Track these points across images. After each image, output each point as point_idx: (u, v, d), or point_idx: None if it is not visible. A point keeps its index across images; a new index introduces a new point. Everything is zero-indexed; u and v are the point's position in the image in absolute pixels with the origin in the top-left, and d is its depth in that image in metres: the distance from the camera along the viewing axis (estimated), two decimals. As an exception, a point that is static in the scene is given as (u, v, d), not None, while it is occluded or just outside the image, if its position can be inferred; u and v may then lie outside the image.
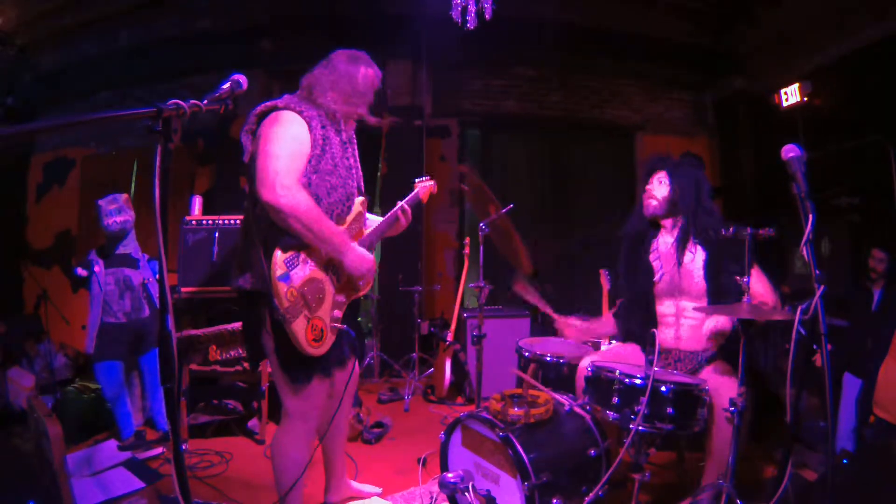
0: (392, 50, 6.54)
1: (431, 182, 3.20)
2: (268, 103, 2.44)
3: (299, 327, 2.32)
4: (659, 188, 3.22)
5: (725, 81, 7.56)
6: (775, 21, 6.63)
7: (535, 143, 7.60)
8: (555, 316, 3.52)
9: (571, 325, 3.48)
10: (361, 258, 2.52)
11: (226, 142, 6.41)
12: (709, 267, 3.07)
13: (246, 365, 4.16)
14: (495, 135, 7.53)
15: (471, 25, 4.19)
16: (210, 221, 4.19)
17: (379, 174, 6.67)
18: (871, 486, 2.67)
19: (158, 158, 1.49)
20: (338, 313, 2.52)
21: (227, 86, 1.75)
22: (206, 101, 1.66)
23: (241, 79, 1.77)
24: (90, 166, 7.49)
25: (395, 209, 2.85)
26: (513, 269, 3.65)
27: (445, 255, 7.14)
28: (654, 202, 3.21)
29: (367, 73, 2.64)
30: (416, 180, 3.17)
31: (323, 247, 2.39)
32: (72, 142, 7.54)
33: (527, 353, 3.66)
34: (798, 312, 2.14)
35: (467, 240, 5.58)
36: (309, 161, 2.39)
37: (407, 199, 2.96)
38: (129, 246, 4.14)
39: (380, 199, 6.64)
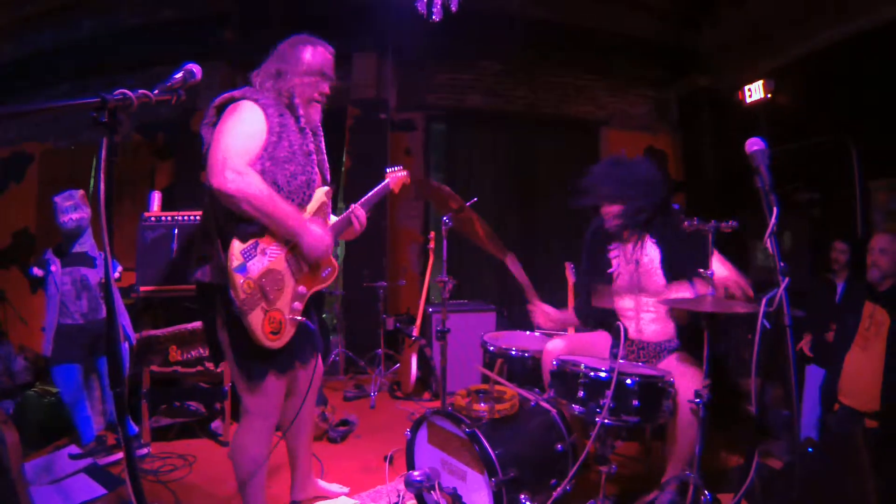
0: (357, 42, 6.49)
1: (404, 172, 3.16)
2: (226, 95, 2.40)
3: (256, 320, 2.26)
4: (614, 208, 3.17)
5: (689, 78, 7.66)
6: (740, 20, 6.72)
7: (500, 138, 7.58)
8: (533, 300, 3.50)
9: (545, 313, 3.46)
10: (319, 238, 2.46)
11: (187, 136, 6.28)
12: (665, 264, 3.10)
13: (209, 365, 4.08)
14: (461, 129, 7.49)
15: (436, 17, 4.15)
16: (169, 218, 4.08)
17: (343, 168, 6.59)
18: (837, 473, 2.70)
19: (104, 151, 1.43)
20: (298, 305, 2.45)
21: (179, 75, 1.69)
22: (156, 92, 1.60)
23: (195, 68, 1.72)
24: (49, 161, 7.29)
25: (348, 211, 2.81)
26: (481, 261, 3.63)
27: (410, 250, 7.09)
28: (617, 222, 3.18)
29: (314, 50, 2.58)
30: (388, 169, 3.13)
31: (278, 228, 2.34)
32: (30, 136, 7.33)
33: (492, 348, 3.65)
34: (763, 304, 2.15)
35: (432, 234, 5.53)
36: (265, 148, 2.34)
37: (370, 193, 2.93)
38: (86, 244, 4.02)
39: (343, 194, 6.56)
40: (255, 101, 2.36)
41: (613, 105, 7.76)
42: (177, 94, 1.68)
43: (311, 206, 2.55)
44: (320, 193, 2.60)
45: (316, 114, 2.62)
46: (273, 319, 2.32)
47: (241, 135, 2.27)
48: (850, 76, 5.53)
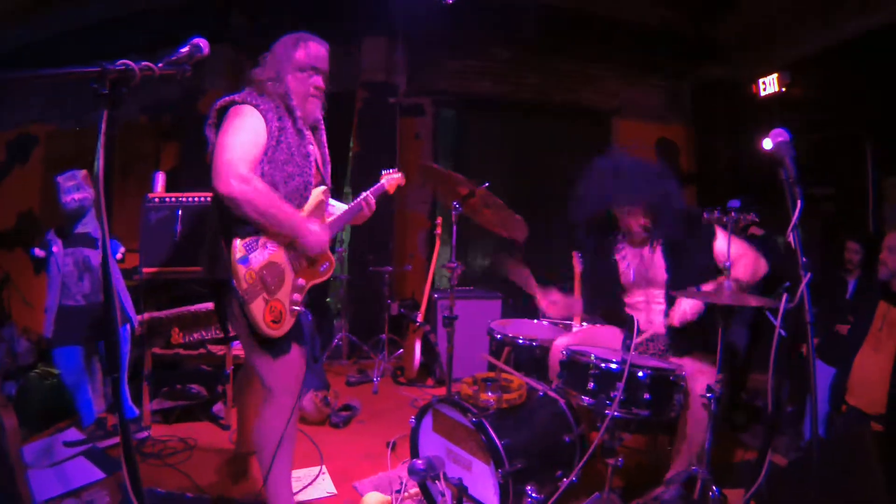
0: (367, 25, 6.41)
1: (399, 174, 3.25)
2: (226, 98, 2.47)
3: (258, 308, 2.36)
4: (638, 217, 3.15)
5: (703, 69, 7.55)
6: (756, 10, 6.62)
7: (510, 125, 7.50)
8: (538, 293, 3.47)
9: (555, 302, 3.42)
10: (317, 236, 2.54)
11: (193, 118, 6.16)
12: (667, 254, 3.08)
13: (211, 348, 4.07)
14: (470, 115, 7.42)
15: (448, 0, 4.08)
16: (173, 199, 4.00)
17: (350, 152, 6.54)
18: (845, 473, 2.66)
19: (104, 124, 1.38)
20: (297, 297, 2.54)
21: (185, 49, 1.65)
22: (161, 65, 1.54)
23: (202, 43, 1.68)
24: (54, 143, 7.25)
25: (358, 199, 2.91)
26: (487, 248, 3.61)
27: (417, 236, 7.04)
28: (644, 234, 3.16)
29: (304, 46, 2.62)
30: (383, 172, 3.22)
31: (280, 230, 2.43)
32: (35, 118, 7.28)
33: (499, 336, 3.62)
34: (784, 299, 2.09)
35: (439, 220, 5.49)
36: (265, 152, 2.43)
37: (372, 189, 3.03)
38: (89, 225, 3.97)
39: (350, 178, 6.54)
40: (256, 106, 2.44)
41: (625, 94, 7.65)
42: (182, 69, 1.63)
43: (308, 206, 2.60)
44: (318, 192, 2.65)
45: (315, 109, 2.68)
46: (274, 309, 2.42)
47: (244, 141, 2.35)
48: (866, 71, 5.46)
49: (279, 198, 2.40)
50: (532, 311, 4.96)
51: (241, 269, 2.32)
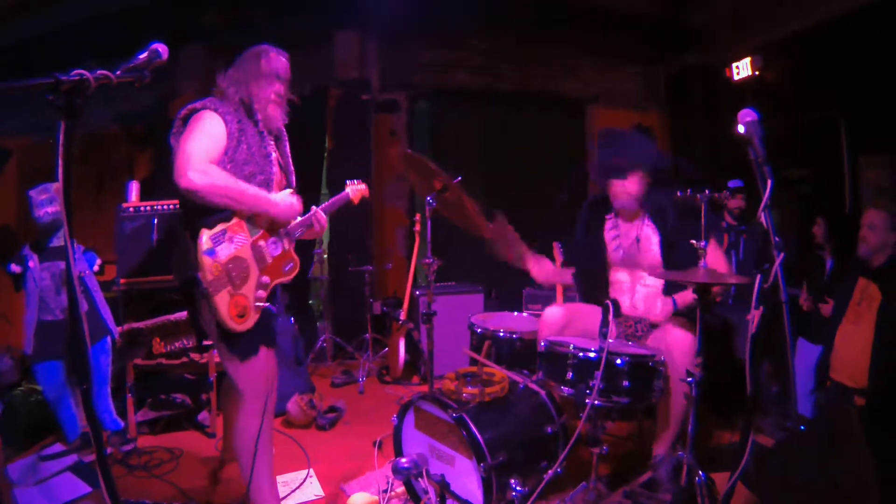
0: (339, 20, 6.35)
1: (363, 186, 3.35)
2: (189, 106, 2.54)
3: (222, 301, 2.39)
4: (632, 185, 3.19)
5: (678, 55, 7.55)
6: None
7: (486, 117, 7.45)
8: (528, 255, 3.49)
9: (544, 267, 3.49)
10: (287, 205, 2.64)
11: (166, 124, 6.09)
12: (663, 244, 3.11)
13: (193, 356, 4.04)
14: (446, 108, 7.37)
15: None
16: (148, 208, 3.98)
17: (325, 152, 6.48)
18: (830, 449, 2.68)
19: (61, 136, 1.36)
20: (262, 293, 2.56)
21: (143, 55, 1.62)
22: (118, 73, 1.52)
23: (161, 48, 1.65)
24: (28, 156, 7.15)
25: (310, 213, 2.92)
26: (468, 242, 3.61)
27: (396, 233, 6.97)
28: (628, 198, 3.20)
29: (267, 57, 2.72)
30: (347, 182, 3.33)
31: (249, 209, 2.51)
32: (7, 132, 7.17)
33: (479, 330, 3.62)
34: (758, 280, 2.10)
35: (418, 216, 5.47)
36: (225, 152, 2.49)
37: (328, 202, 3.09)
38: (64, 238, 3.93)
39: (327, 176, 6.49)
40: (215, 110, 2.51)
41: (602, 83, 7.64)
42: (141, 75, 1.61)
43: None
44: (284, 195, 2.70)
45: (277, 116, 2.75)
46: (238, 304, 2.45)
47: (203, 140, 2.42)
48: (840, 53, 5.48)
49: (237, 179, 2.45)
50: (513, 303, 4.96)
51: (208, 261, 2.37)
